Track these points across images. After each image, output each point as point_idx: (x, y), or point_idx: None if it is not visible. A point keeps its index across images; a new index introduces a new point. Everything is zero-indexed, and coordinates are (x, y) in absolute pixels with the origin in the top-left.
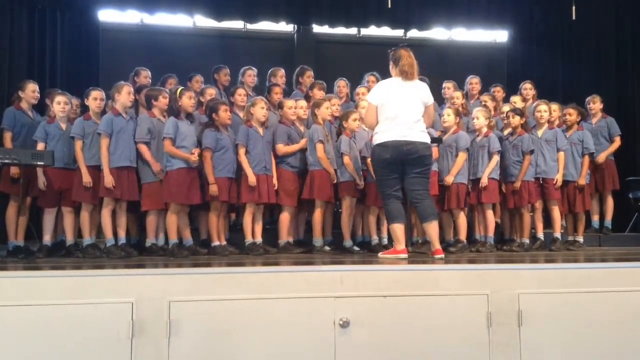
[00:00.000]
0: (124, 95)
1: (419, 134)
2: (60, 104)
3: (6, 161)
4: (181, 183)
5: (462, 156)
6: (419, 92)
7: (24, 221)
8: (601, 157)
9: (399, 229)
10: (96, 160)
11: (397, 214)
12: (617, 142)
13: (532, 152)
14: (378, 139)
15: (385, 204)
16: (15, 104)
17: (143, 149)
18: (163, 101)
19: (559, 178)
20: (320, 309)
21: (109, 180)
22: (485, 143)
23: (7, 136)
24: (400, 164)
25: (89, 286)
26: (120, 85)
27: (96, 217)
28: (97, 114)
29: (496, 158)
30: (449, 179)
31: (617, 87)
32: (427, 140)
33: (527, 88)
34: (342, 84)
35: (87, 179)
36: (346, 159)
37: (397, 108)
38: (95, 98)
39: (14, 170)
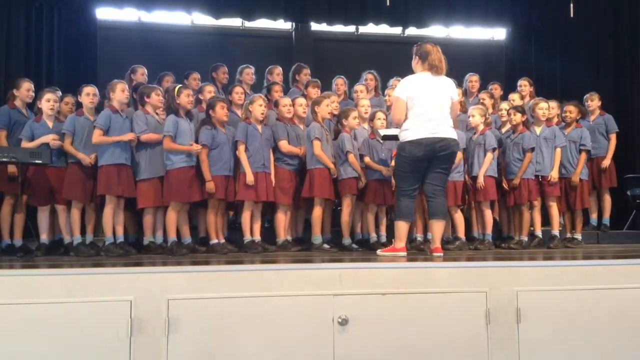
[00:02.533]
0: (119, 93)
1: (449, 130)
2: (49, 101)
3: (4, 160)
4: (182, 182)
5: (457, 155)
6: (447, 87)
7: (22, 220)
8: (606, 162)
9: (403, 227)
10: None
11: (407, 212)
12: (613, 139)
13: (532, 149)
14: (409, 135)
15: (398, 199)
16: (10, 103)
17: (146, 137)
18: (155, 98)
19: (553, 175)
20: (319, 307)
21: (87, 160)
22: (481, 141)
23: (2, 135)
24: (427, 161)
25: (88, 284)
26: (114, 83)
27: (90, 214)
28: (90, 109)
29: (490, 156)
30: None
31: (615, 84)
32: (456, 136)
33: (523, 85)
34: (340, 82)
35: (87, 160)
36: (351, 157)
37: (428, 104)
38: (87, 94)
39: (12, 169)
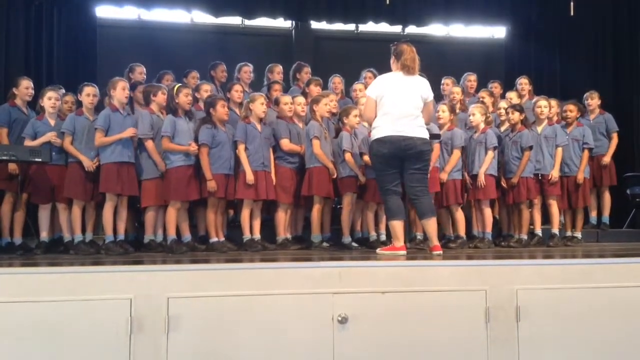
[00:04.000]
0: (119, 91)
1: (418, 130)
2: (51, 99)
3: (3, 158)
4: (180, 180)
5: (456, 153)
6: (419, 87)
7: (21, 218)
8: (606, 159)
9: (398, 225)
10: (90, 156)
11: (396, 210)
12: (615, 138)
13: (531, 148)
14: (376, 134)
15: (384, 200)
16: (10, 101)
17: (150, 145)
18: (162, 97)
19: (553, 174)
20: (319, 305)
21: (89, 164)
22: (482, 139)
23: (3, 133)
24: (398, 159)
25: (88, 283)
26: (115, 81)
27: (90, 212)
28: (89, 109)
29: (491, 154)
30: (444, 176)
31: (615, 83)
32: (426, 135)
33: (523, 83)
34: (337, 81)
35: (87, 163)
36: (348, 156)
37: (396, 103)
38: (88, 94)
39: (12, 167)
